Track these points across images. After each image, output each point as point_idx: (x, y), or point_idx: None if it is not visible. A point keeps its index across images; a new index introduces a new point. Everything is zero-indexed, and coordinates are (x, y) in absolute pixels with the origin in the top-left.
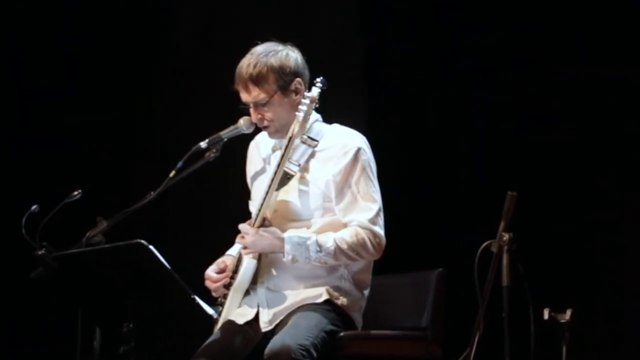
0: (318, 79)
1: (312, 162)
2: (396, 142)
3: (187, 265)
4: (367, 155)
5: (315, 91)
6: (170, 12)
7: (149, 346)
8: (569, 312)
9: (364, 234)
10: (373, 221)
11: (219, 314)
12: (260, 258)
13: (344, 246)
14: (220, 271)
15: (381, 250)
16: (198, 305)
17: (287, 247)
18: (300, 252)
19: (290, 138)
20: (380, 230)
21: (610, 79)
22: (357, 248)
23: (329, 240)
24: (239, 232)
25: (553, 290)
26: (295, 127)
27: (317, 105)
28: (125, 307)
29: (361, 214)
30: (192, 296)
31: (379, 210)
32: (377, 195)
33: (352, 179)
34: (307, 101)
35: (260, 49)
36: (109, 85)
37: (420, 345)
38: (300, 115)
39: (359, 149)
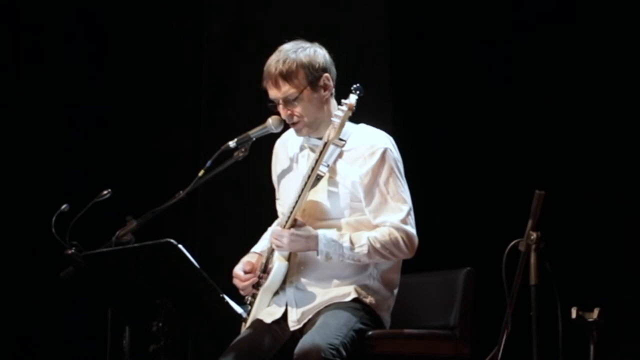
0: (354, 86)
1: (340, 162)
2: (423, 141)
3: (215, 264)
4: (394, 155)
5: (352, 98)
6: (200, 10)
7: (178, 345)
8: (596, 311)
9: (397, 234)
10: (405, 221)
11: (248, 313)
12: (289, 258)
13: (378, 245)
14: (248, 271)
15: (414, 250)
16: (227, 304)
17: (320, 245)
18: (334, 249)
19: (326, 143)
20: (412, 229)
21: None
22: (391, 247)
23: (363, 238)
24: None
25: (581, 289)
26: (330, 133)
27: (354, 110)
28: (154, 306)
29: (392, 215)
30: (221, 295)
31: (410, 209)
32: (407, 195)
33: (381, 180)
34: (344, 107)
35: (287, 46)
36: (139, 83)
37: (449, 344)
38: (336, 121)
39: (385, 150)
